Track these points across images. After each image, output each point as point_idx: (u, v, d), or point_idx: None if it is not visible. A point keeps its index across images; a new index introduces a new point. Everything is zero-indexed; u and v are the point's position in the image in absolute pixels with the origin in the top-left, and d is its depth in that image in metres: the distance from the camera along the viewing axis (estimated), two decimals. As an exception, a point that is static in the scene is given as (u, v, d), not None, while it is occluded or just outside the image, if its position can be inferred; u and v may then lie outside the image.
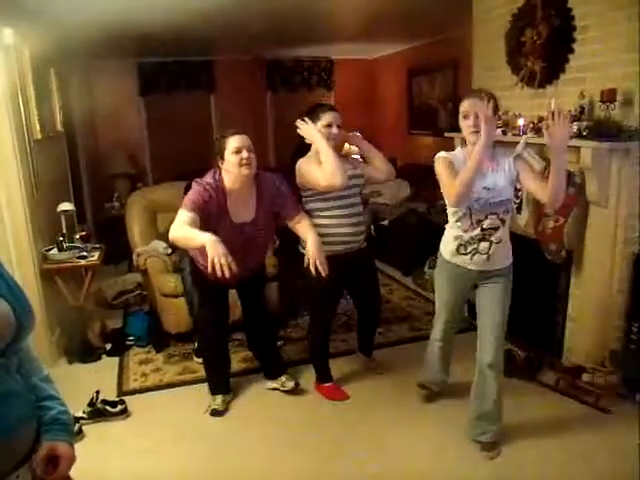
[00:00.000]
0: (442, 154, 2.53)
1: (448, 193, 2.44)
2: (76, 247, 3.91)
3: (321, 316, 3.25)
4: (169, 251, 4.19)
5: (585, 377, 3.09)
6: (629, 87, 2.86)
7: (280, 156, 7.80)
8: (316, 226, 2.95)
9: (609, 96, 2.87)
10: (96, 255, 3.90)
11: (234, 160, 2.71)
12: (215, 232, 2.54)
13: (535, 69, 3.49)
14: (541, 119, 3.34)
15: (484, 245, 2.50)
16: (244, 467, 2.69)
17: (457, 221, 2.53)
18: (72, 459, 1.31)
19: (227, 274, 2.37)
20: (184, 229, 2.61)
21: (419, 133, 6.76)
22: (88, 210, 6.67)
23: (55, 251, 3.81)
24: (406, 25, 5.43)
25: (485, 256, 2.51)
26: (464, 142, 2.56)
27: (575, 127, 3.02)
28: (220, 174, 2.81)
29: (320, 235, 2.92)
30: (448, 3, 4.26)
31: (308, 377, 3.42)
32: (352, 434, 2.92)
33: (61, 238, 3.87)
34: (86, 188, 6.63)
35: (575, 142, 3.03)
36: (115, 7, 3.88)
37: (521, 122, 3.46)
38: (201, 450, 2.82)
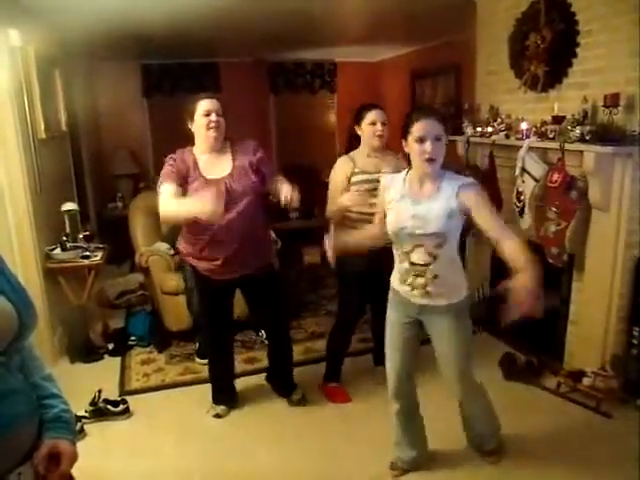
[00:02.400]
0: (383, 176, 2.44)
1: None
2: (79, 247, 3.93)
3: (347, 312, 3.26)
4: (172, 252, 4.20)
5: (586, 381, 3.09)
6: (632, 92, 2.87)
7: (283, 158, 7.81)
8: (347, 219, 3.00)
9: (612, 101, 2.87)
10: (99, 255, 3.92)
11: (203, 122, 2.76)
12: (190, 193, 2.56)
13: (538, 73, 3.50)
14: (544, 123, 3.36)
15: (419, 281, 2.24)
16: (246, 468, 2.70)
17: (395, 249, 2.33)
18: (74, 457, 1.31)
19: (218, 219, 2.46)
20: (172, 203, 2.62)
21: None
22: (91, 210, 6.68)
23: (58, 250, 3.82)
24: (409, 28, 5.45)
25: (422, 291, 2.25)
26: (409, 163, 2.30)
27: (578, 131, 3.03)
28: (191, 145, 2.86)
29: (352, 229, 2.95)
30: (452, 7, 4.27)
31: (311, 378, 3.42)
32: (354, 436, 2.92)
33: (64, 238, 3.88)
34: (89, 188, 6.64)
35: (578, 146, 3.04)
36: (119, 9, 3.89)
37: (524, 126, 3.47)
38: (203, 451, 2.83)
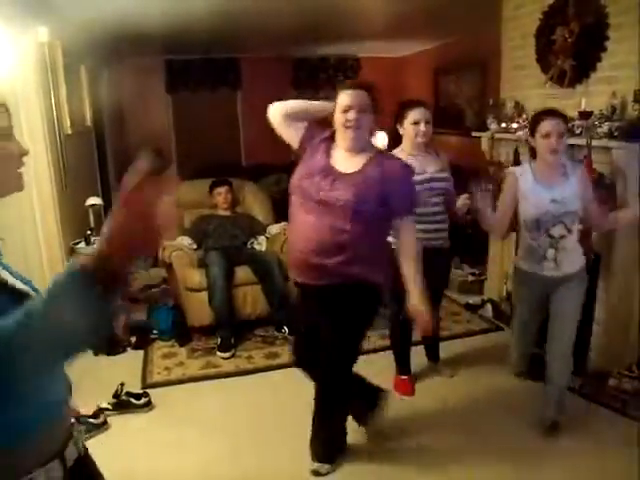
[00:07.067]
0: (511, 170, 2.83)
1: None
2: (103, 241, 3.97)
3: (399, 303, 3.24)
4: (194, 247, 4.24)
5: (611, 382, 3.04)
6: (663, 87, 2.81)
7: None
8: None
9: (642, 96, 2.81)
10: (123, 249, 3.95)
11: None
12: None
13: (565, 68, 3.44)
14: (571, 119, 3.29)
15: (551, 252, 2.64)
16: (266, 464, 2.70)
17: (527, 231, 2.69)
18: None
19: None
20: None
21: (445, 132, 6.70)
22: (115, 204, 6.76)
23: (83, 245, 3.88)
24: (433, 23, 5.39)
25: (553, 264, 2.64)
26: (532, 155, 2.70)
27: (606, 127, 2.97)
28: None
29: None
30: (476, 1, 4.21)
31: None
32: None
33: (89, 232, 3.94)
34: (113, 182, 6.72)
35: (606, 143, 2.98)
36: (143, 6, 3.92)
37: (550, 122, 3.41)
38: (223, 446, 2.83)
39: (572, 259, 2.67)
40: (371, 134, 2.42)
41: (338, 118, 2.30)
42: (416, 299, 2.36)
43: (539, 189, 2.60)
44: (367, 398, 2.78)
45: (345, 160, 2.33)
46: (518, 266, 2.82)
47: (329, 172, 2.30)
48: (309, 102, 2.50)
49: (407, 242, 2.40)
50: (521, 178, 2.66)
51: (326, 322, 2.48)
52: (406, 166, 2.40)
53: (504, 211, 2.74)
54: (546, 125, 2.52)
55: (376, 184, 2.26)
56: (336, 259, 2.28)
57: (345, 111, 2.27)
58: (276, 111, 2.45)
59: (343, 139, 2.32)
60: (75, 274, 0.83)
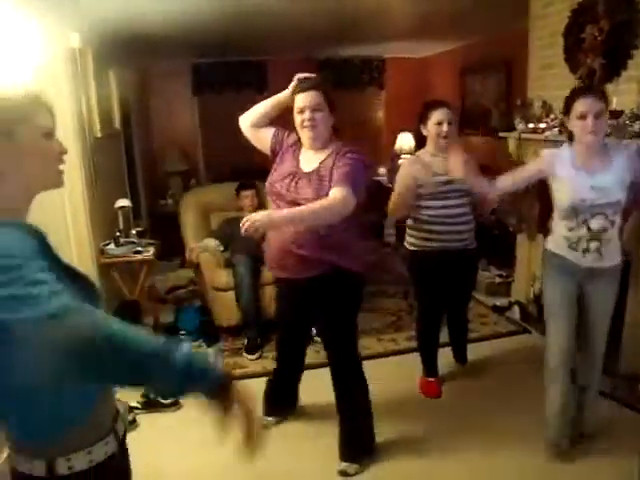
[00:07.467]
0: (550, 151, 2.59)
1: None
2: (132, 242, 4.05)
3: (425, 305, 3.27)
4: (221, 248, 4.28)
5: (643, 386, 2.98)
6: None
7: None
8: (416, 220, 3.05)
9: (675, 94, 2.75)
10: (151, 250, 4.02)
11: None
12: None
13: (594, 66, 3.39)
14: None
15: (594, 245, 2.44)
16: (294, 464, 2.71)
17: (563, 220, 2.50)
18: None
19: None
20: None
21: (470, 133, 6.64)
22: (143, 206, 6.86)
23: (112, 246, 3.94)
24: (459, 23, 5.35)
25: (596, 254, 2.45)
26: (570, 138, 2.49)
27: (637, 126, 2.92)
28: None
29: (418, 230, 3.06)
30: (503, 0, 4.17)
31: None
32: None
33: (118, 233, 4.01)
34: (141, 185, 6.82)
35: (636, 142, 2.92)
36: (171, 10, 3.97)
37: (579, 121, 3.36)
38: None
39: (614, 252, 2.50)
40: (333, 131, 2.48)
41: (296, 120, 2.41)
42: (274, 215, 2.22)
43: (578, 174, 2.40)
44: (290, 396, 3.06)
45: (309, 159, 2.43)
46: (551, 250, 2.60)
47: (295, 173, 2.41)
48: (265, 100, 2.63)
49: (314, 204, 2.23)
50: (558, 161, 2.47)
51: (316, 314, 2.62)
52: (353, 151, 2.38)
53: (521, 177, 2.65)
54: (580, 105, 2.32)
55: (330, 176, 2.32)
56: (313, 250, 2.37)
57: (300, 112, 2.38)
58: (244, 124, 2.62)
59: (304, 139, 2.43)
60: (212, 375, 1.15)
